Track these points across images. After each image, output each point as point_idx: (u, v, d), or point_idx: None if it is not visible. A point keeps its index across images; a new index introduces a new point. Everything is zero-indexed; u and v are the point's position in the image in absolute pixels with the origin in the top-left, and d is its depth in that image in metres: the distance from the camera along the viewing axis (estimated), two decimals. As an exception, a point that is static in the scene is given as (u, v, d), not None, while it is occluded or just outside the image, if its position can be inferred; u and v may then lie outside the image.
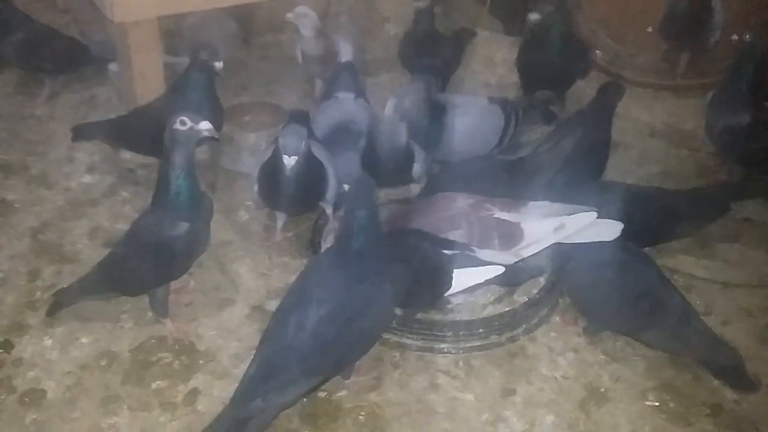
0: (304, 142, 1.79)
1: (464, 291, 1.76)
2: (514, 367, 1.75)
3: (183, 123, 1.60)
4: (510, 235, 1.75)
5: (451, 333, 1.78)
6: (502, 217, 1.77)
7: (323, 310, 1.50)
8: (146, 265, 1.71)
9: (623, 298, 1.71)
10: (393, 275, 1.60)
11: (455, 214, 1.80)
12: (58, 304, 1.81)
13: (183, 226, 1.67)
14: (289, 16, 2.44)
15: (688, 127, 2.61)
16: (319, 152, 1.95)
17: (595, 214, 1.72)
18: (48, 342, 1.77)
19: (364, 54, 2.72)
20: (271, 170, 1.88)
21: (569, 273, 1.81)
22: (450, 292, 1.72)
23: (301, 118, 2.00)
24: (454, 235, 1.76)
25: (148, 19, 2.25)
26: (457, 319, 1.82)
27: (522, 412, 1.65)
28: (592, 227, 1.72)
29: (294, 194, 1.90)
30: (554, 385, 1.71)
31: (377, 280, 1.56)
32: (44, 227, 2.11)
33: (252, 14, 2.91)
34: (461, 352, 1.77)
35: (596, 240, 1.72)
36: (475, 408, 1.66)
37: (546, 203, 1.80)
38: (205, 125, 1.60)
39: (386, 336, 1.78)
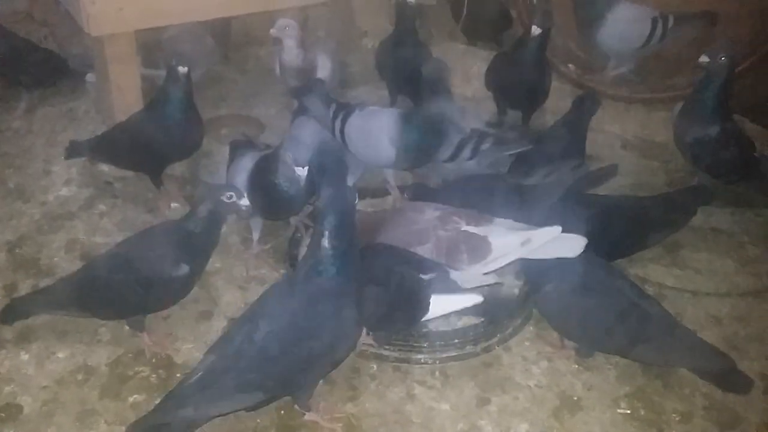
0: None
1: (440, 316, 1.78)
2: (489, 376, 1.77)
3: (230, 197, 1.68)
4: (477, 249, 1.78)
5: (427, 344, 1.80)
6: (470, 231, 1.80)
7: (273, 325, 1.47)
8: (135, 297, 1.70)
9: (607, 318, 1.70)
10: (367, 299, 1.57)
11: (423, 228, 1.82)
12: (12, 313, 1.77)
13: (184, 269, 1.68)
14: (273, 31, 2.44)
15: (659, 139, 2.66)
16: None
17: (560, 229, 1.74)
18: (24, 357, 1.77)
19: (343, 67, 2.74)
20: (264, 180, 1.87)
21: (545, 299, 1.78)
22: (427, 317, 1.73)
23: (245, 145, 2.05)
24: (422, 250, 1.78)
25: (125, 33, 2.26)
26: (433, 330, 1.84)
27: (497, 421, 1.67)
28: (557, 242, 1.73)
29: (290, 200, 1.90)
30: (528, 394, 1.74)
31: (341, 305, 1.50)
32: (21, 241, 2.10)
33: (229, 28, 2.92)
34: (437, 362, 1.79)
35: (560, 255, 1.72)
36: (451, 417, 1.68)
37: (510, 221, 1.83)
38: (245, 201, 1.70)
39: (363, 347, 1.79)
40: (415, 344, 1.79)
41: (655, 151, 2.62)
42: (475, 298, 1.71)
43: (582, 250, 1.71)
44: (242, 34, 2.99)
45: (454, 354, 1.80)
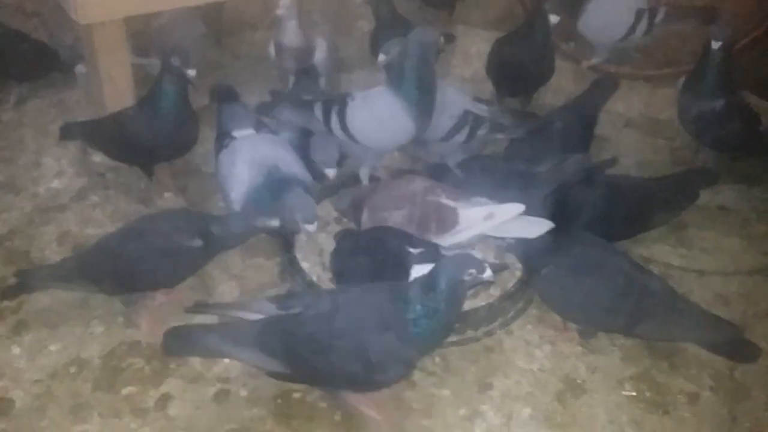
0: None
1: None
2: (490, 361, 1.74)
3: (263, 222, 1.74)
4: (446, 220, 1.80)
5: (426, 329, 1.76)
6: (443, 202, 1.82)
7: (324, 326, 1.46)
8: (145, 267, 1.68)
9: (607, 296, 1.66)
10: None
11: (404, 195, 1.86)
12: (20, 287, 1.74)
13: (197, 242, 1.68)
14: (280, 11, 2.37)
15: (663, 116, 2.61)
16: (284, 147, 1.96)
17: (522, 207, 1.77)
18: (16, 350, 1.74)
19: (337, 51, 2.70)
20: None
21: (544, 283, 1.73)
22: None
23: (229, 95, 2.03)
24: (398, 215, 1.81)
25: (114, 20, 2.22)
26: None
27: (499, 406, 1.64)
28: (521, 222, 1.76)
29: None
30: (531, 378, 1.70)
31: (405, 348, 1.46)
32: (12, 234, 2.07)
33: (221, 13, 2.88)
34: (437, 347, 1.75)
35: (523, 235, 1.75)
36: (452, 403, 1.65)
37: (484, 198, 1.84)
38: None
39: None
40: (415, 330, 1.75)
41: (660, 128, 2.57)
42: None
43: (544, 232, 1.73)
44: (234, 19, 2.94)
45: (454, 339, 1.76)
